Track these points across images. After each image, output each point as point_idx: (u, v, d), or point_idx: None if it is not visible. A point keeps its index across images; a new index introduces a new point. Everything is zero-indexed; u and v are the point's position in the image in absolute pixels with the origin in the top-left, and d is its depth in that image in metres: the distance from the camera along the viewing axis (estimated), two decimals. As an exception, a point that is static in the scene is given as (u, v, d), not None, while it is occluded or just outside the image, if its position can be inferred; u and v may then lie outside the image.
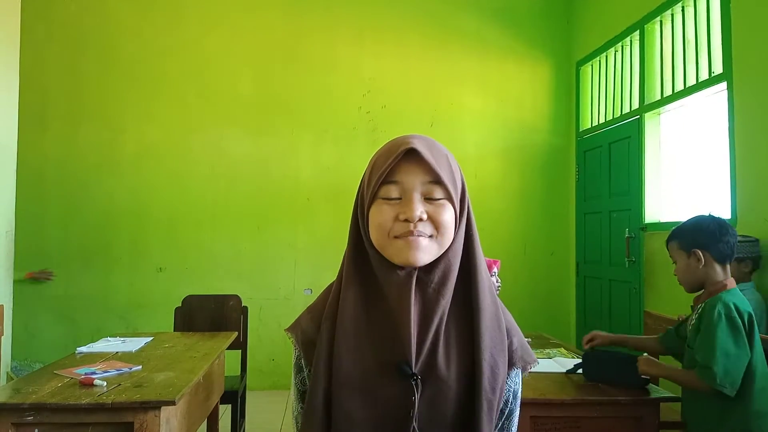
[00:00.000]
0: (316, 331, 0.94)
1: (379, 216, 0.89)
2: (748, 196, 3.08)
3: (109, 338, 3.05)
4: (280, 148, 5.00)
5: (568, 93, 5.29)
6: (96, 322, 4.71)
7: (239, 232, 4.93)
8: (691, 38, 3.68)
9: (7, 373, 4.55)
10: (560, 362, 2.48)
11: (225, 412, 3.46)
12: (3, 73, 4.64)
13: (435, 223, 0.89)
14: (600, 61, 4.88)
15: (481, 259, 0.95)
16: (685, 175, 3.93)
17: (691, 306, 2.03)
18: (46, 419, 1.93)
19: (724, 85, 3.29)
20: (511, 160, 5.18)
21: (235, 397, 3.30)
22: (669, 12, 3.89)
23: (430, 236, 0.89)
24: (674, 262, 2.02)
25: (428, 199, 0.90)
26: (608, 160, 4.55)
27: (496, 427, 0.96)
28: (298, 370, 0.98)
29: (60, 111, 4.87)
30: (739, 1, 3.19)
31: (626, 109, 4.39)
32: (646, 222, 4.05)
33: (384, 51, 5.12)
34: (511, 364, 0.95)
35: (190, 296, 3.65)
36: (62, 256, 4.80)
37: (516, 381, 0.98)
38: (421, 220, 0.88)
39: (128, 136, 4.90)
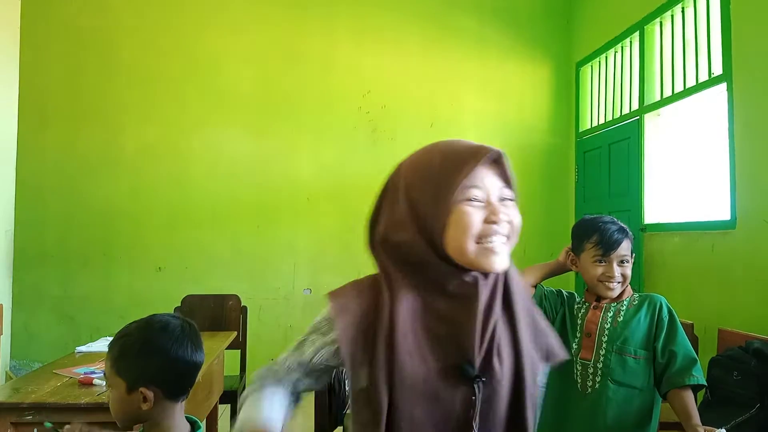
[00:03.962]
0: (364, 320, 0.93)
1: (466, 218, 0.89)
2: (748, 198, 3.08)
3: (108, 338, 3.03)
4: (280, 147, 5.00)
5: (568, 93, 5.30)
6: (95, 321, 4.71)
7: (239, 231, 4.93)
8: (691, 39, 3.68)
9: (6, 372, 4.56)
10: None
11: (224, 411, 3.46)
12: (3, 72, 4.65)
13: (511, 225, 0.93)
14: (600, 61, 4.89)
15: (512, 262, 0.99)
16: (685, 176, 3.93)
17: (590, 303, 1.86)
18: (45, 418, 1.92)
19: (723, 86, 3.29)
20: (511, 161, 5.15)
21: (234, 396, 3.30)
22: (669, 13, 3.89)
23: (507, 238, 0.93)
24: (626, 262, 1.82)
25: (502, 201, 0.94)
26: (608, 161, 4.55)
27: None
28: (325, 331, 1.00)
29: (60, 110, 4.87)
30: (739, 3, 3.19)
31: (626, 110, 4.39)
32: (645, 223, 4.05)
33: (384, 51, 5.12)
34: (546, 359, 1.00)
35: (190, 296, 3.66)
36: (61, 255, 4.80)
37: (545, 375, 1.03)
38: (504, 222, 0.91)
39: (128, 135, 4.90)
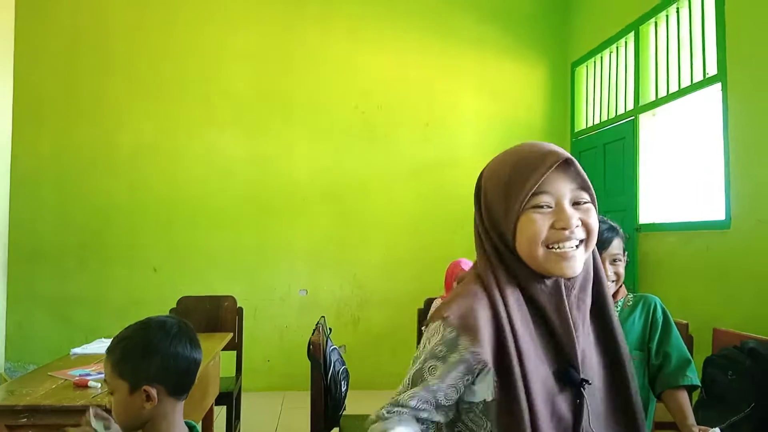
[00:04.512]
0: (490, 330, 0.91)
1: (533, 226, 0.89)
2: (742, 197, 3.09)
3: (103, 339, 3.04)
4: (276, 147, 5.00)
5: (564, 93, 5.31)
6: (90, 322, 4.69)
7: (235, 232, 4.92)
8: (686, 39, 3.70)
9: (1, 374, 4.54)
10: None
11: (220, 413, 3.46)
12: (-3, 72, 4.62)
13: (587, 227, 0.91)
14: (595, 61, 4.90)
15: (599, 259, 0.98)
16: (680, 176, 3.95)
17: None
18: (40, 421, 1.92)
19: (718, 86, 3.30)
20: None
21: (230, 398, 3.29)
22: (664, 13, 3.90)
23: (581, 241, 0.91)
24: (618, 260, 1.86)
25: (575, 204, 0.92)
26: (603, 161, 4.56)
27: None
28: (446, 354, 0.91)
29: (55, 109, 4.85)
30: (734, 3, 3.20)
31: (621, 110, 4.40)
32: (640, 223, 4.06)
33: (380, 51, 5.12)
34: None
35: (186, 297, 3.64)
36: (57, 255, 4.78)
37: None
38: (576, 226, 0.90)
39: (123, 134, 4.89)
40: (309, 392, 2.40)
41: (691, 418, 1.64)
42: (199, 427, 1.45)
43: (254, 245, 4.93)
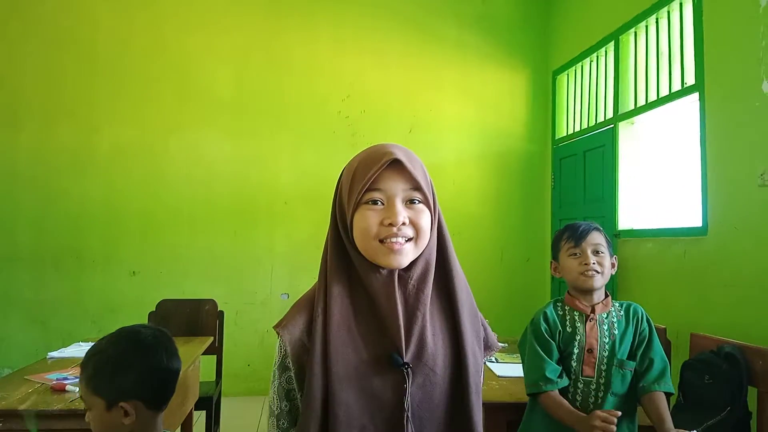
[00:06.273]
0: (304, 330, 1.00)
1: (364, 221, 0.96)
2: (718, 204, 3.15)
3: (81, 343, 3.00)
4: (259, 151, 4.98)
5: (545, 101, 5.37)
6: (68, 326, 4.62)
7: (216, 235, 4.89)
8: (665, 50, 3.76)
9: (-26, 378, 4.44)
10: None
11: (199, 418, 3.43)
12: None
13: (416, 226, 0.97)
14: (576, 70, 4.96)
15: (455, 257, 1.04)
16: (658, 183, 4.01)
17: (571, 307, 1.86)
18: (16, 426, 1.89)
19: (696, 95, 3.37)
20: (489, 166, 5.23)
21: (210, 403, 3.27)
22: (643, 24, 3.97)
23: (410, 239, 0.97)
24: (601, 252, 1.86)
25: (408, 204, 0.98)
26: (583, 168, 4.62)
27: None
28: (284, 369, 1.03)
29: (33, 110, 4.78)
30: (711, 15, 3.27)
31: (601, 118, 4.47)
32: (619, 229, 4.12)
33: (364, 56, 5.14)
34: (486, 349, 1.08)
35: (165, 300, 3.61)
36: (34, 258, 4.70)
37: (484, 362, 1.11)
38: (404, 224, 0.96)
39: (103, 136, 4.83)
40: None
41: (669, 422, 1.66)
42: None
43: (235, 248, 4.90)
